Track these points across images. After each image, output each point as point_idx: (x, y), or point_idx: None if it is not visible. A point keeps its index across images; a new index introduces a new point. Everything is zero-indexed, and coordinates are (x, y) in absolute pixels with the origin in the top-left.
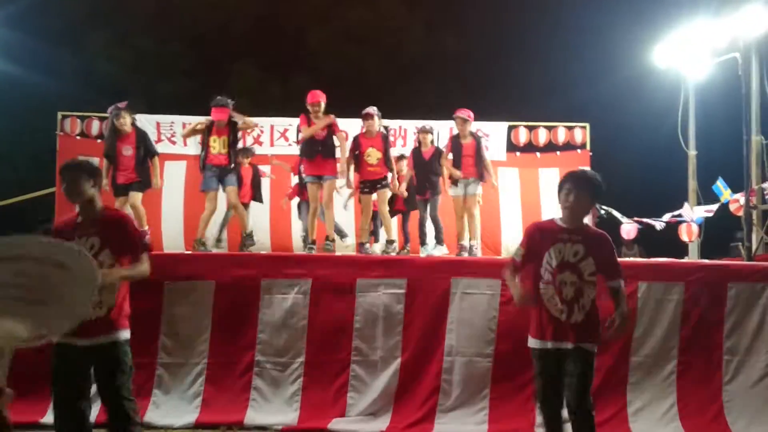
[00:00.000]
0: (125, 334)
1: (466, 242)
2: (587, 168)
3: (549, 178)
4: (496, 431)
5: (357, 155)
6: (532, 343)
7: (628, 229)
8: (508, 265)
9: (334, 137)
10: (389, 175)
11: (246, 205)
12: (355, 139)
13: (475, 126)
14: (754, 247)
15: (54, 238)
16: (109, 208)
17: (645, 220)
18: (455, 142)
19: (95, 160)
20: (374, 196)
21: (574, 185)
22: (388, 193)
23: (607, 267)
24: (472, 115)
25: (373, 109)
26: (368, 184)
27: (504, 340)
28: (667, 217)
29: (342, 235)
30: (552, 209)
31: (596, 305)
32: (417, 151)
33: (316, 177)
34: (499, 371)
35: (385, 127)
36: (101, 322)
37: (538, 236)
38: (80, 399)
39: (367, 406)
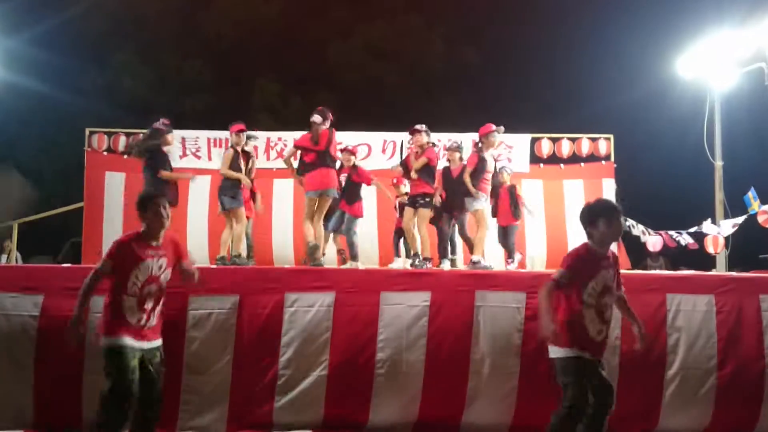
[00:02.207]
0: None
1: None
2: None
3: (574, 189)
4: None
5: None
6: (569, 352)
7: (654, 241)
8: (547, 284)
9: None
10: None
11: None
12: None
13: (498, 138)
14: None
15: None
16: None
17: (668, 233)
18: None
19: (122, 175)
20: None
21: (618, 218)
22: (428, 212)
23: (619, 282)
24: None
25: (420, 126)
26: (409, 199)
27: (529, 354)
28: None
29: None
30: (574, 225)
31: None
32: (446, 169)
33: (316, 192)
34: (524, 381)
35: (433, 144)
36: (156, 328)
37: (587, 262)
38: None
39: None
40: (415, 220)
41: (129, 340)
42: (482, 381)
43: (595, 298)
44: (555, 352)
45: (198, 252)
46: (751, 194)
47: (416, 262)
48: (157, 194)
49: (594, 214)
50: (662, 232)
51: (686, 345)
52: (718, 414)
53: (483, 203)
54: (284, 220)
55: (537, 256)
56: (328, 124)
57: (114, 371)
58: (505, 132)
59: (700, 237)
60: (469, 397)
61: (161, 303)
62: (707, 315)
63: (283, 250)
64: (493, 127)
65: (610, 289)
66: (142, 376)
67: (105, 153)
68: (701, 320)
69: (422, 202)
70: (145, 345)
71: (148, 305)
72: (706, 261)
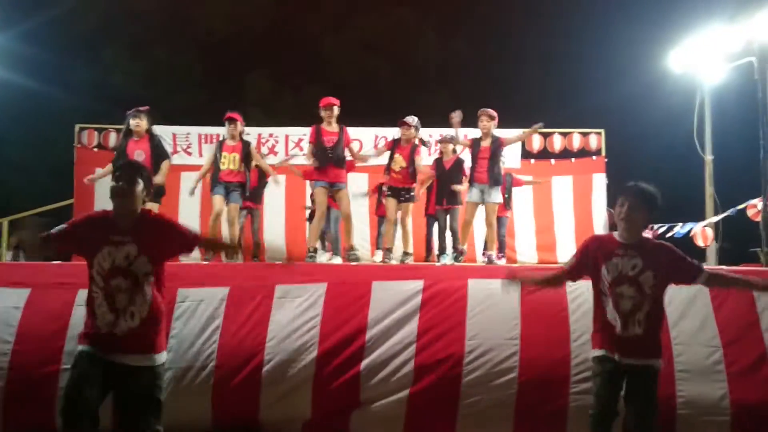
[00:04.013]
0: (162, 357)
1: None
2: (646, 184)
3: (562, 186)
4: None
5: (390, 157)
6: (593, 353)
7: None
8: (555, 270)
9: (346, 149)
10: (414, 187)
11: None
12: (393, 141)
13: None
14: None
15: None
16: (145, 211)
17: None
18: (476, 143)
19: None
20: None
21: (629, 197)
22: (411, 207)
23: (678, 272)
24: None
25: (410, 119)
26: (391, 190)
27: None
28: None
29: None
30: (566, 218)
31: (659, 320)
32: (438, 161)
33: (327, 183)
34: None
35: (423, 141)
36: (134, 336)
37: (595, 249)
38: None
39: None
40: (399, 214)
41: (89, 348)
42: (478, 371)
43: (608, 286)
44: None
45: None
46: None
47: (405, 260)
48: (122, 166)
49: (617, 198)
50: (649, 226)
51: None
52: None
53: (473, 196)
54: (276, 216)
55: (527, 253)
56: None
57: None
58: (498, 127)
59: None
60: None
61: (141, 305)
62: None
63: (275, 246)
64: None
65: (630, 280)
66: (120, 404)
67: (95, 149)
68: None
69: (407, 196)
70: (115, 358)
71: (119, 304)
72: (696, 254)
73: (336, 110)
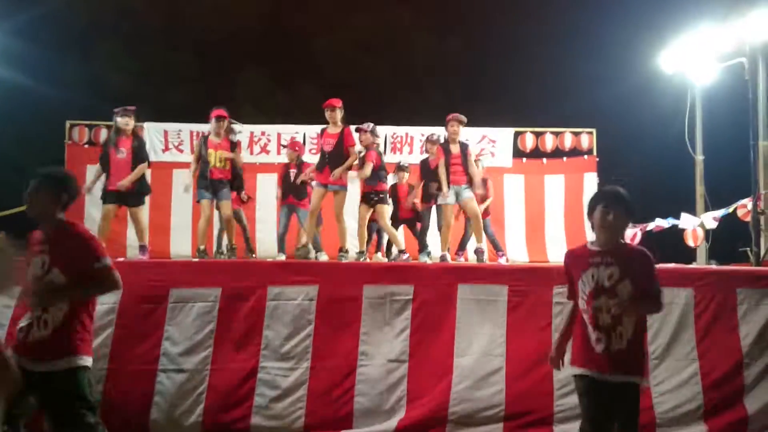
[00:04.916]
0: (82, 361)
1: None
2: (618, 187)
3: (554, 185)
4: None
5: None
6: (573, 370)
7: (631, 234)
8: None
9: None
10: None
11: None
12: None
13: (481, 132)
14: (762, 252)
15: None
16: (68, 223)
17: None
18: (446, 147)
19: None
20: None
21: (611, 203)
22: (386, 207)
23: (641, 284)
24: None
25: (365, 126)
26: (362, 196)
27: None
28: (659, 222)
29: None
30: (556, 217)
31: (641, 333)
32: (425, 161)
33: (323, 185)
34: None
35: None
36: (48, 343)
37: (572, 263)
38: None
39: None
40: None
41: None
42: (465, 372)
43: (585, 301)
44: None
45: (181, 245)
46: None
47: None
48: (41, 174)
49: (592, 203)
50: (639, 225)
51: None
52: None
53: (451, 199)
54: (269, 214)
55: (516, 252)
56: None
57: None
58: (490, 126)
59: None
60: (454, 388)
61: (54, 313)
62: (686, 308)
63: (268, 244)
64: (450, 117)
65: (608, 291)
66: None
67: (86, 146)
68: (680, 313)
69: (376, 198)
70: (28, 365)
71: (36, 311)
72: (686, 254)
73: (339, 112)
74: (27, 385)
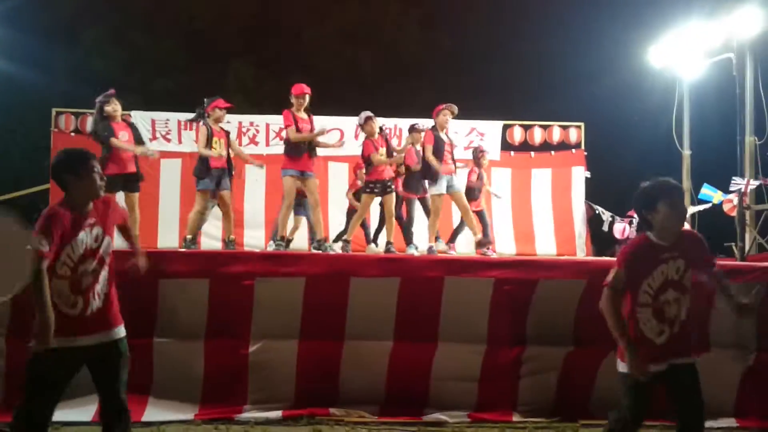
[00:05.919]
0: (123, 329)
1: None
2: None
3: (542, 178)
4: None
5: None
6: (623, 367)
7: (621, 227)
8: (605, 294)
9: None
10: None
11: None
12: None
13: (470, 125)
14: (747, 247)
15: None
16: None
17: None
18: (436, 135)
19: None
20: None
21: (680, 196)
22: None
23: (698, 262)
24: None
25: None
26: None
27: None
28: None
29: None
30: (542, 212)
31: (690, 314)
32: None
33: (298, 172)
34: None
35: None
36: (102, 315)
37: (642, 259)
38: (54, 407)
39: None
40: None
41: (57, 341)
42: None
43: (651, 296)
44: (619, 366)
45: (169, 235)
46: (707, 189)
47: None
48: (89, 153)
49: (652, 198)
50: (626, 219)
51: None
52: None
53: (442, 188)
54: (256, 204)
55: (504, 245)
56: None
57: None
58: (478, 119)
59: None
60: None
61: (107, 283)
62: None
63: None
64: (443, 106)
65: (674, 283)
66: (98, 378)
67: (72, 134)
68: None
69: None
70: (89, 341)
71: (85, 285)
72: None
73: (308, 98)
74: (85, 361)
